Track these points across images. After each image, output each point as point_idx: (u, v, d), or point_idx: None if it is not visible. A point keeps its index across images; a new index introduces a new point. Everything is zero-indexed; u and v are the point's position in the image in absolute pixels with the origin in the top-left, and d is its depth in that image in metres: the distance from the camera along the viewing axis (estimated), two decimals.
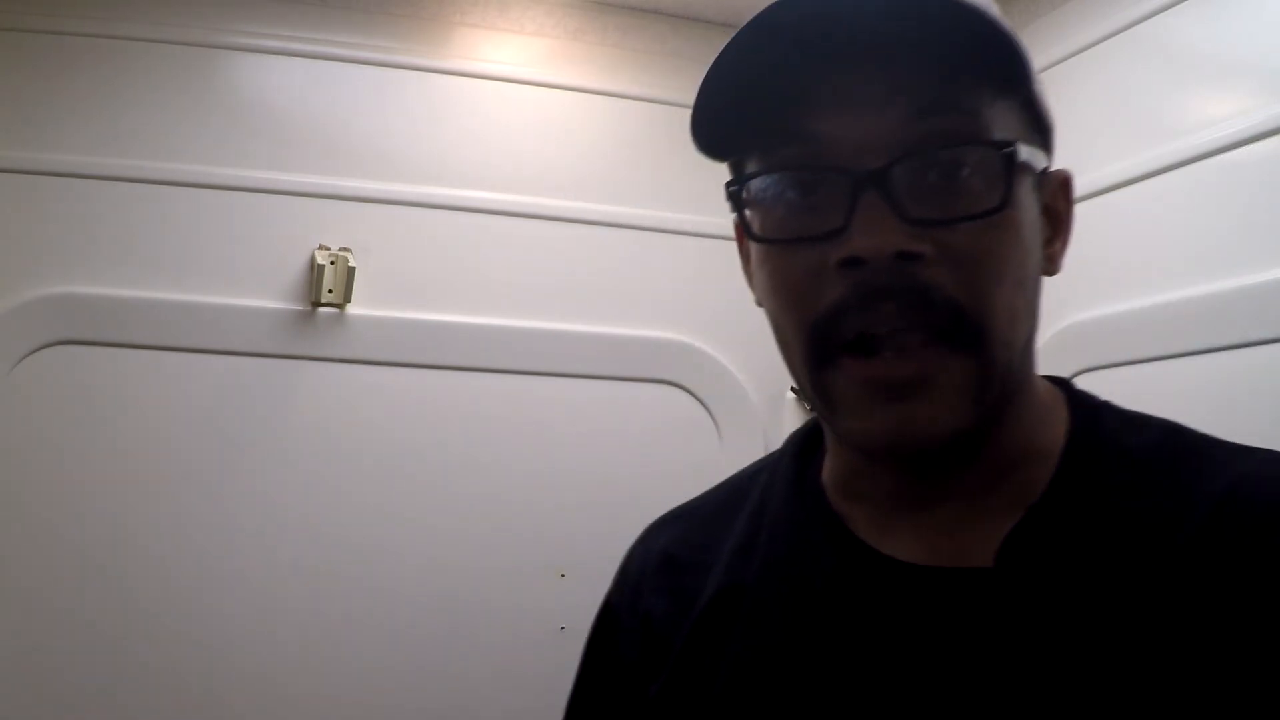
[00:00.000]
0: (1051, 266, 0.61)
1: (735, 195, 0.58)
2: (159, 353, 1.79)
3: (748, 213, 0.58)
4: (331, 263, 1.84)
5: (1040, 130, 0.60)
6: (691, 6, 2.03)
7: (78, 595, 1.70)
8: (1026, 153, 0.56)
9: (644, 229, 1.99)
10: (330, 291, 1.84)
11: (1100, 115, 1.63)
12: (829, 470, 0.66)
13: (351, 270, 1.84)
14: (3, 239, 1.75)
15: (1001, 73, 0.54)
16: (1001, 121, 0.55)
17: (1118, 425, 0.62)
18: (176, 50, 1.86)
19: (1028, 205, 0.57)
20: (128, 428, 1.76)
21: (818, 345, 0.55)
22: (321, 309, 1.86)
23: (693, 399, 2.00)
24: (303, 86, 1.93)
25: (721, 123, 0.57)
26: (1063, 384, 0.66)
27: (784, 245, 0.56)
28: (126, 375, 1.77)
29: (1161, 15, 1.56)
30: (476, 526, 1.90)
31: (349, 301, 1.86)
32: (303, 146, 1.90)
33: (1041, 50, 1.76)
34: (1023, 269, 0.56)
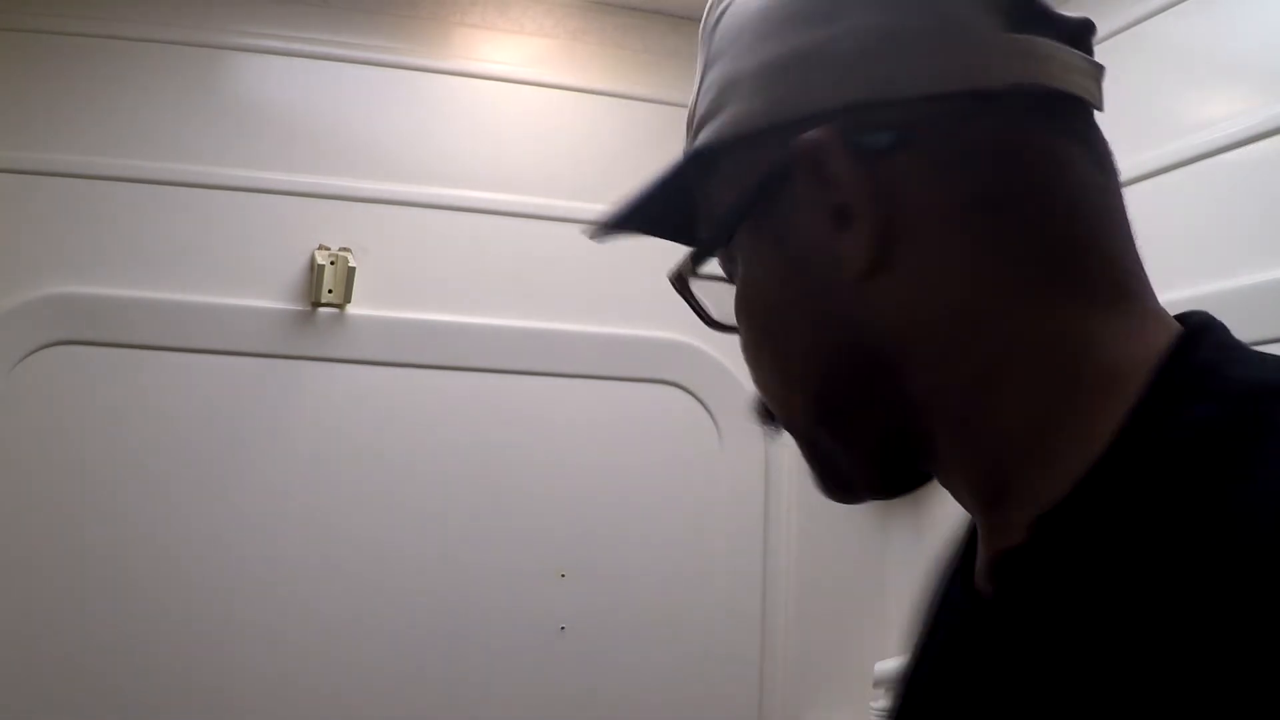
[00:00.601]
0: (847, 268, 0.47)
1: (680, 290, 0.61)
2: (159, 353, 1.79)
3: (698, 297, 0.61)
4: (331, 263, 1.84)
5: (716, 166, 0.52)
6: (692, 6, 2.03)
7: (78, 595, 1.70)
8: (700, 229, 0.54)
9: None
10: (330, 291, 1.84)
11: (1100, 115, 1.63)
12: None
13: (351, 270, 1.84)
14: (3, 239, 1.75)
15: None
16: (735, 183, 0.52)
17: (1189, 395, 0.42)
18: (177, 50, 1.86)
19: (750, 258, 0.52)
20: (128, 428, 1.76)
21: None
22: (321, 309, 1.86)
23: (693, 399, 2.00)
24: (303, 86, 1.93)
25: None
26: (1184, 333, 0.46)
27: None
28: (126, 375, 1.77)
29: (1161, 15, 1.56)
30: (476, 526, 1.90)
31: (349, 301, 1.86)
32: (303, 146, 1.90)
33: None
34: (764, 329, 0.53)
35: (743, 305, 0.53)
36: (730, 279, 0.54)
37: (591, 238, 0.59)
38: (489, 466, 1.92)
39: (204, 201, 1.84)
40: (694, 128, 0.52)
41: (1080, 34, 0.54)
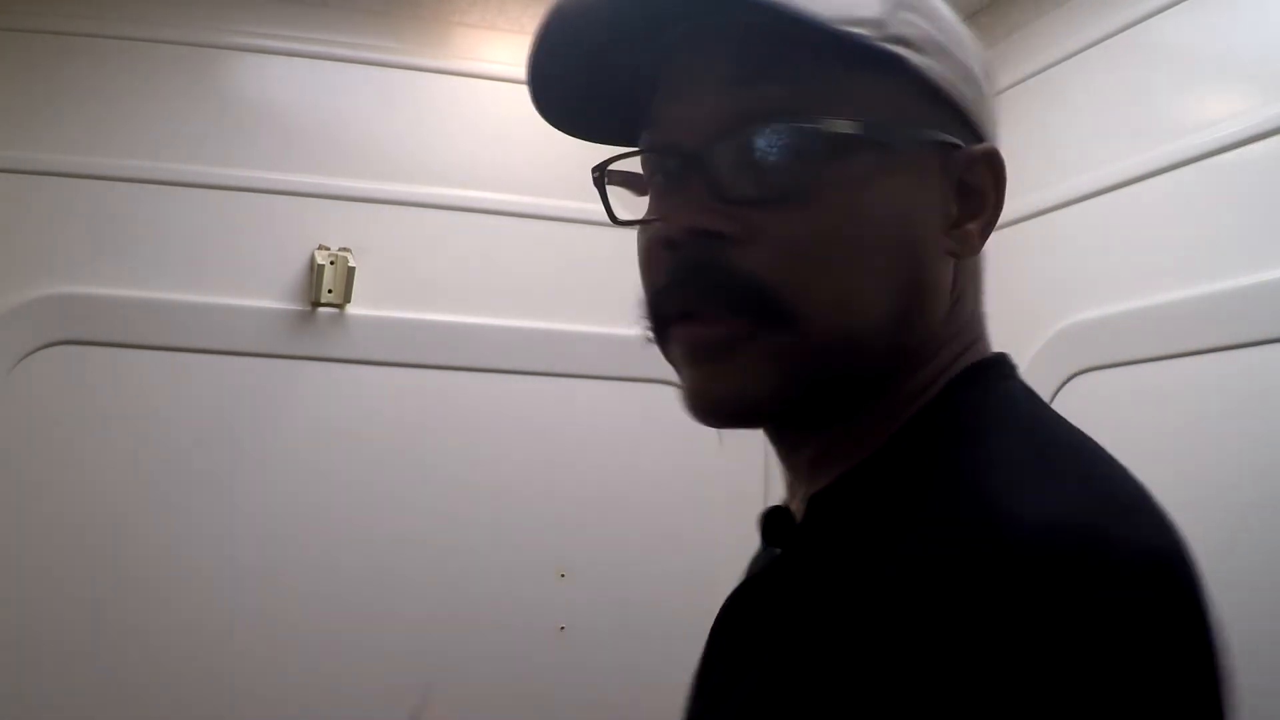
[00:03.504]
0: (964, 247, 0.58)
1: (598, 181, 0.61)
2: (159, 353, 1.79)
3: (609, 195, 0.61)
4: (331, 263, 1.84)
5: (941, 102, 0.57)
6: None
7: (78, 595, 1.70)
8: (872, 129, 0.54)
9: None
10: (330, 291, 1.84)
11: (1100, 115, 1.63)
12: None
13: (351, 270, 1.84)
14: (3, 239, 1.75)
15: (820, 39, 0.52)
16: (847, 94, 0.54)
17: (970, 423, 0.56)
18: (176, 50, 1.86)
19: (876, 183, 0.55)
20: (128, 428, 1.76)
21: (655, 323, 0.58)
22: (321, 309, 1.86)
23: None
24: (303, 86, 1.93)
25: (580, 113, 0.62)
26: (978, 362, 0.60)
27: (634, 226, 0.60)
28: (127, 375, 1.77)
29: (1161, 15, 1.56)
30: (476, 526, 1.90)
31: (349, 301, 1.86)
32: (303, 146, 1.90)
33: (1042, 50, 1.76)
34: (863, 250, 0.54)
35: (840, 218, 0.54)
36: (749, 159, 0.54)
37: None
38: (489, 466, 1.92)
39: (204, 201, 1.84)
40: (884, 29, 0.54)
41: None
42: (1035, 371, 1.63)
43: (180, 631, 1.74)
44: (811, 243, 0.53)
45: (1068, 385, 1.58)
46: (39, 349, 1.74)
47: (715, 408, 0.56)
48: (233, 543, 1.78)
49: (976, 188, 0.58)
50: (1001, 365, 0.61)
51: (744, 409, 0.56)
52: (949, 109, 0.57)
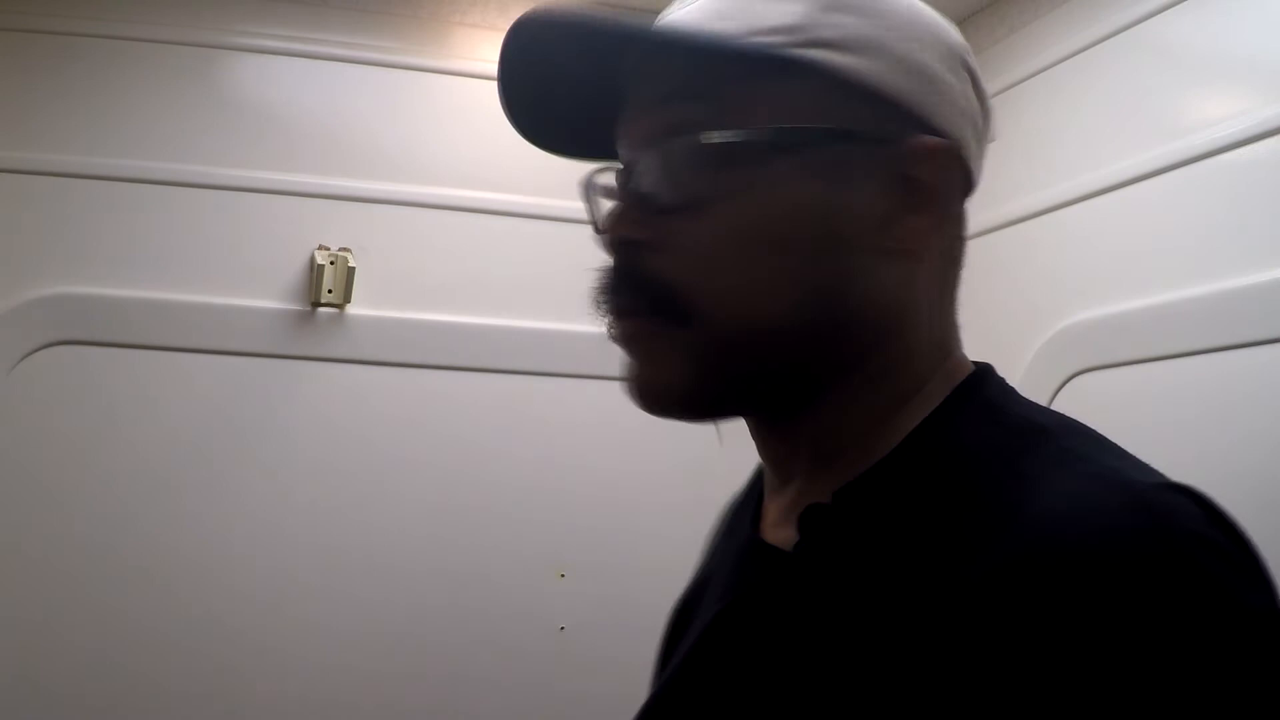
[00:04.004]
0: (908, 244, 0.58)
1: (584, 192, 0.66)
2: (159, 353, 1.79)
3: (595, 205, 0.66)
4: (331, 263, 1.84)
5: (876, 99, 0.58)
6: None
7: (78, 595, 1.70)
8: (762, 135, 0.57)
9: None
10: (330, 291, 1.84)
11: (1100, 115, 1.63)
12: None
13: (351, 270, 1.84)
14: (3, 239, 1.75)
15: (729, 54, 0.57)
16: (760, 103, 0.57)
17: (978, 416, 0.58)
18: (176, 50, 1.86)
19: (780, 185, 0.57)
20: (127, 428, 1.76)
21: (605, 321, 0.63)
22: (321, 309, 1.86)
23: None
24: (303, 86, 1.93)
25: (573, 139, 0.68)
26: (975, 372, 0.63)
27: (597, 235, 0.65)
28: (126, 375, 1.77)
29: (1161, 15, 1.56)
30: (476, 526, 1.90)
31: (349, 301, 1.86)
32: (303, 146, 1.90)
33: (1042, 50, 1.76)
34: (760, 251, 0.57)
35: (739, 222, 0.58)
36: (673, 161, 0.59)
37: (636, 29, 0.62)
38: (489, 466, 1.92)
39: (204, 201, 1.84)
40: (798, 33, 0.58)
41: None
42: (1035, 371, 1.63)
43: (181, 631, 1.74)
44: (709, 246, 0.57)
45: (1068, 385, 1.58)
46: (39, 349, 1.74)
47: (643, 396, 0.61)
48: (233, 542, 1.78)
49: (922, 182, 0.58)
50: (994, 372, 0.63)
51: (669, 398, 0.61)
52: (886, 105, 0.58)
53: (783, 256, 0.57)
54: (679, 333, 0.58)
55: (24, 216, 1.77)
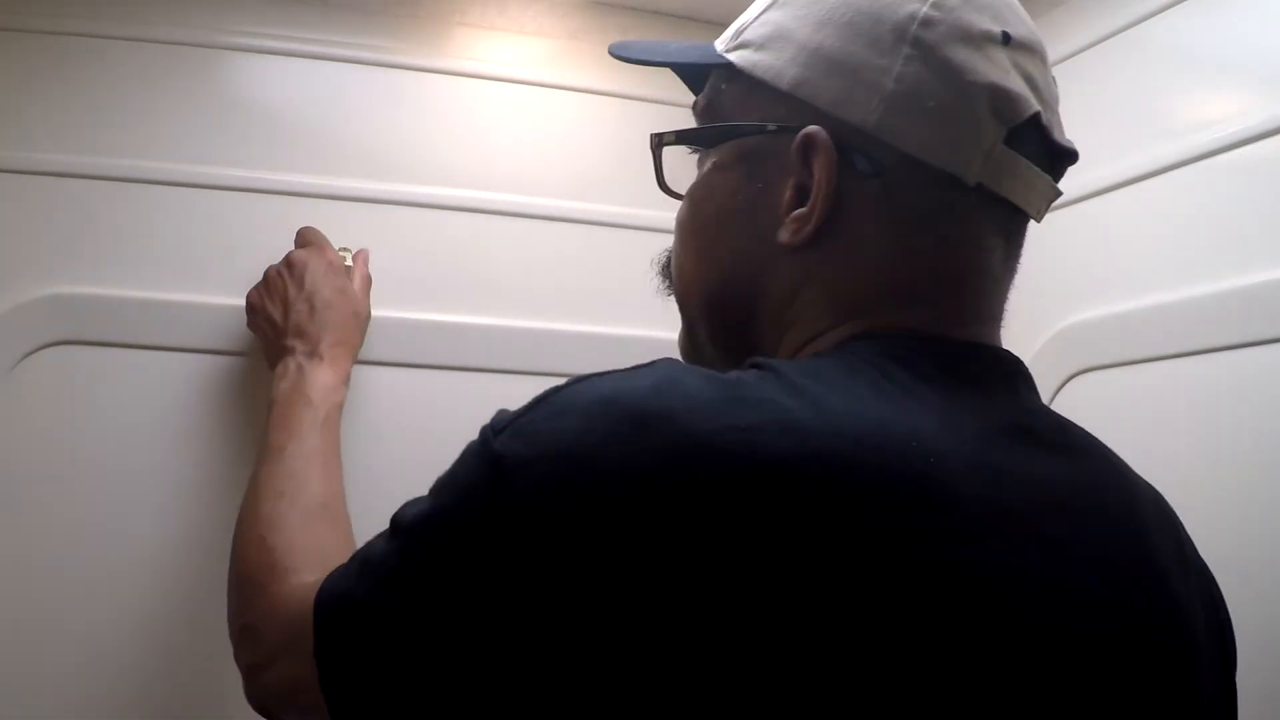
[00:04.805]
0: (788, 235, 0.67)
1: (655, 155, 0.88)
2: (159, 353, 1.79)
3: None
4: None
5: (778, 94, 0.65)
6: (693, 7, 2.03)
7: (77, 596, 1.70)
8: (682, 135, 0.75)
9: (644, 229, 1.98)
10: None
11: (1100, 115, 1.62)
12: None
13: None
14: (3, 239, 1.75)
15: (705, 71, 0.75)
16: (724, 105, 0.71)
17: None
18: (175, 50, 1.86)
19: (707, 179, 0.73)
20: (128, 428, 1.76)
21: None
22: None
23: None
24: (302, 86, 1.93)
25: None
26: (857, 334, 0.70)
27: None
28: (126, 375, 1.76)
29: (1161, 15, 1.55)
30: None
31: None
32: (302, 146, 1.90)
33: None
34: (691, 235, 0.76)
35: (698, 192, 0.74)
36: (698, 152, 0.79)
37: (616, 53, 0.80)
38: None
39: (204, 201, 1.84)
40: (738, 37, 0.69)
41: (1060, 160, 0.71)
42: (1035, 371, 1.61)
43: (180, 631, 1.73)
44: (676, 229, 0.79)
45: (1068, 385, 1.58)
46: (39, 349, 1.74)
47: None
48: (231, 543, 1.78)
49: (810, 172, 0.64)
50: (890, 340, 0.69)
51: (680, 343, 0.85)
52: (789, 97, 0.65)
53: (700, 240, 0.73)
54: (672, 293, 0.81)
55: (23, 216, 1.76)
